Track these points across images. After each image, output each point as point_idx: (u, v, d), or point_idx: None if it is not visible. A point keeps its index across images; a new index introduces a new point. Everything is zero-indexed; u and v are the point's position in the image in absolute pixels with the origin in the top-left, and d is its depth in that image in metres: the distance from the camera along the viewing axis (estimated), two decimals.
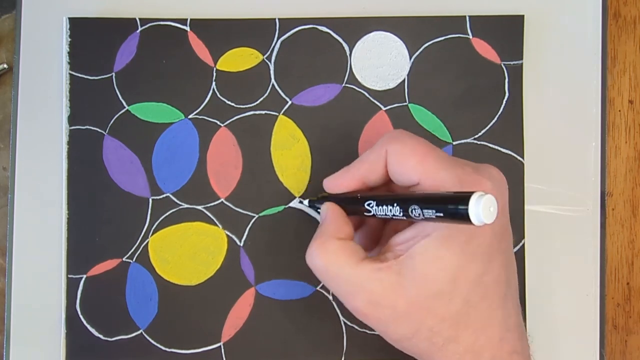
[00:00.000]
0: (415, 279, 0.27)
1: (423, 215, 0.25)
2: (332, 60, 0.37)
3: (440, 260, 0.26)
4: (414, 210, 0.26)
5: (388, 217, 0.28)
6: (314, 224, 0.36)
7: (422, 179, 0.28)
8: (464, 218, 0.23)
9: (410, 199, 0.26)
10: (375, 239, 0.33)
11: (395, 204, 0.27)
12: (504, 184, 0.29)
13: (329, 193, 0.32)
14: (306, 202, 0.36)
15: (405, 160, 0.28)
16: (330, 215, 0.31)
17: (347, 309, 0.29)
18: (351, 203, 0.31)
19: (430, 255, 0.27)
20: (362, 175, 0.30)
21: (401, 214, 0.27)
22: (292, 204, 0.36)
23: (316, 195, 0.35)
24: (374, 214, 0.29)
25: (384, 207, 0.28)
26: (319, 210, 0.33)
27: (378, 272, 0.27)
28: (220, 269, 0.36)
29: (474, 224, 0.23)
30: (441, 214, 0.24)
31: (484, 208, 0.23)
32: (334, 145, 0.36)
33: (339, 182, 0.31)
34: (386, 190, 0.31)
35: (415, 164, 0.28)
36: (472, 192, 0.23)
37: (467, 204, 0.23)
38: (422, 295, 0.27)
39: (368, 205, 0.29)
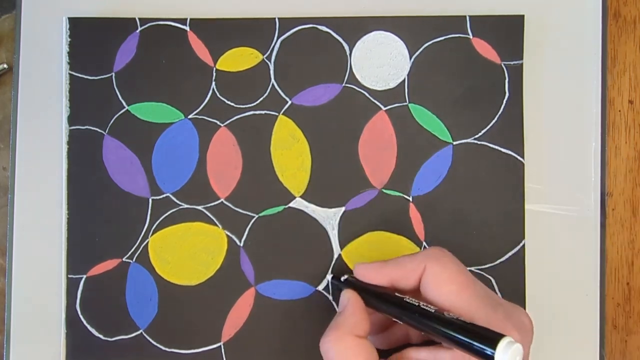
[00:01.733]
0: None
1: (447, 340, 0.26)
2: (332, 60, 0.37)
3: None
4: (435, 330, 0.26)
5: (411, 325, 0.28)
6: (313, 225, 0.36)
7: (453, 309, 0.28)
8: (487, 358, 0.24)
9: (439, 321, 0.27)
10: (383, 325, 0.33)
11: (416, 314, 0.28)
12: (530, 334, 0.29)
13: (355, 278, 0.32)
14: (329, 276, 0.36)
15: (442, 285, 0.29)
16: (350, 307, 0.30)
17: None
18: (377, 297, 0.31)
19: None
20: (395, 278, 0.31)
21: (427, 330, 0.27)
22: (324, 284, 0.36)
23: (320, 194, 0.35)
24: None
25: (405, 318, 0.28)
26: (339, 288, 0.33)
27: None
28: (220, 269, 0.36)
29: None
30: (466, 349, 0.25)
31: (510, 357, 0.23)
32: (334, 145, 0.36)
33: (370, 275, 0.31)
34: (413, 296, 0.31)
35: (449, 293, 0.28)
36: (502, 336, 0.24)
37: (494, 347, 0.23)
38: None
39: (394, 307, 0.29)
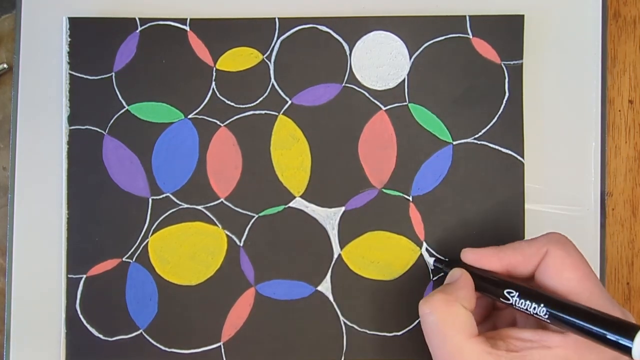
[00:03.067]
0: None
1: (571, 327, 0.25)
2: (332, 60, 0.37)
3: None
4: (563, 319, 0.26)
5: (527, 312, 0.27)
6: (313, 225, 0.36)
7: (572, 296, 0.27)
8: (621, 348, 0.23)
9: (563, 307, 0.26)
10: (480, 316, 0.33)
11: (542, 305, 0.27)
12: None
13: (463, 262, 0.32)
14: (431, 260, 0.35)
15: (565, 271, 0.28)
16: (463, 281, 0.30)
17: None
18: (487, 282, 0.30)
19: None
20: (512, 264, 0.30)
21: (547, 316, 0.27)
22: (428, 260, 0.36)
23: (320, 194, 0.35)
24: (511, 304, 0.28)
25: (528, 302, 0.27)
26: (440, 269, 0.34)
27: (487, 355, 0.27)
28: (220, 269, 0.36)
29: (631, 358, 0.23)
30: (598, 339, 0.24)
31: None
32: (334, 145, 0.36)
33: (482, 260, 0.31)
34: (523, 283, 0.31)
35: (571, 279, 0.28)
36: (639, 327, 0.23)
37: (632, 337, 0.23)
38: None
39: (508, 293, 0.28)
